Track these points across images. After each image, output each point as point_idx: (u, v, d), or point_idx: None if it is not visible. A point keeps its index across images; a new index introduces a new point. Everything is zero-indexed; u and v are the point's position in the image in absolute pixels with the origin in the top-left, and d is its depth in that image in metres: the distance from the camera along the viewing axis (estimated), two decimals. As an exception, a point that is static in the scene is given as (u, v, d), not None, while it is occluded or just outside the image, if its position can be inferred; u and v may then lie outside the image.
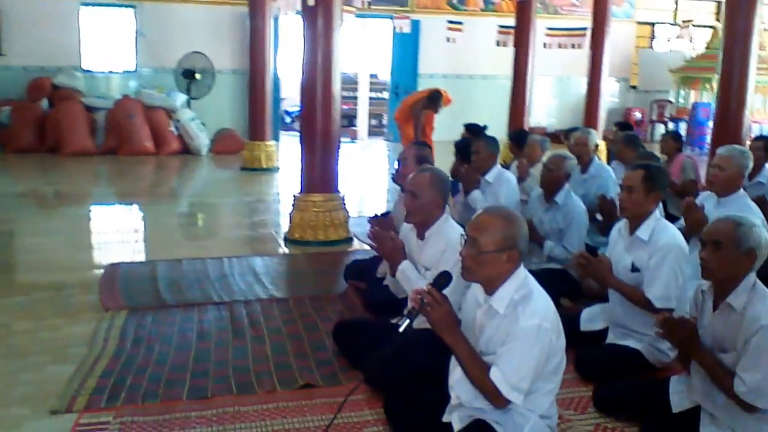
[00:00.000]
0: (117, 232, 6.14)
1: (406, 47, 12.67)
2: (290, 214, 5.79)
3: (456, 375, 2.56)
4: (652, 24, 14.86)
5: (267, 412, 2.97)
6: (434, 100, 8.09)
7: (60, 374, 3.25)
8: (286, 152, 10.05)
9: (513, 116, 10.24)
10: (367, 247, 5.67)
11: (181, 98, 10.72)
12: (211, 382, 3.22)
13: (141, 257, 5.34)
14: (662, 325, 2.68)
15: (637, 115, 14.09)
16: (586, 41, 10.43)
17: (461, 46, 11.70)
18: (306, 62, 5.50)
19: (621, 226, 3.59)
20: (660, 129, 13.95)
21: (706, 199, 4.28)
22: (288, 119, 14.22)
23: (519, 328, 2.33)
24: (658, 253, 3.30)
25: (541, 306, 2.40)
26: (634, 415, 2.93)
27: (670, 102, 14.17)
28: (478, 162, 5.08)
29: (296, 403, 3.05)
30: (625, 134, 6.28)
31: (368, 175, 9.78)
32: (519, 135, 6.66)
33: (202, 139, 10.79)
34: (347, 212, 5.85)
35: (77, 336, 3.73)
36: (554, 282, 4.06)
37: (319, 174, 5.63)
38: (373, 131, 14.27)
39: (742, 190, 4.17)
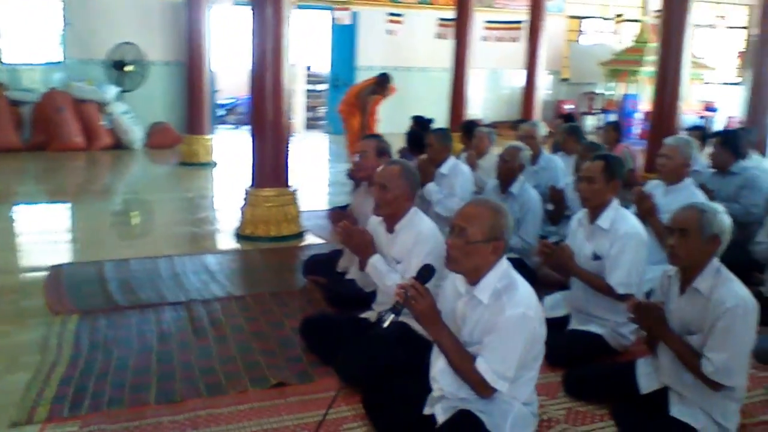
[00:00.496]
0: (53, 233, 5.88)
1: (345, 39, 12.61)
2: (241, 209, 5.69)
3: (438, 366, 2.58)
4: (582, 18, 15.27)
5: (242, 413, 2.92)
6: (383, 83, 8.06)
7: (15, 383, 3.10)
8: (223, 146, 9.84)
9: (453, 108, 10.36)
10: (320, 241, 5.66)
11: (112, 91, 10.35)
12: (179, 385, 3.14)
13: (82, 258, 5.11)
14: (633, 310, 2.78)
15: (569, 107, 14.46)
16: (523, 35, 10.63)
17: (398, 39, 11.73)
18: (255, 54, 5.39)
19: (581, 216, 3.68)
20: (590, 120, 14.39)
21: (654, 188, 4.45)
22: (221, 112, 13.96)
23: (504, 317, 2.37)
24: (619, 241, 3.41)
25: (525, 295, 2.45)
26: (603, 398, 3.03)
27: (600, 94, 14.62)
28: (432, 154, 5.12)
29: (270, 403, 3.01)
30: (569, 125, 6.45)
31: (310, 168, 9.70)
32: (468, 126, 6.74)
33: (136, 133, 10.46)
34: (299, 207, 5.78)
35: (28, 343, 3.57)
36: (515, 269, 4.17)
37: (271, 168, 5.54)
38: (310, 124, 14.17)
39: (688, 178, 4.35)
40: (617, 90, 13.94)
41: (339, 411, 2.94)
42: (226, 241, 5.66)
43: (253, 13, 5.37)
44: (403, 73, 13.32)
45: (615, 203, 3.54)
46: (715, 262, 2.70)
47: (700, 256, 2.68)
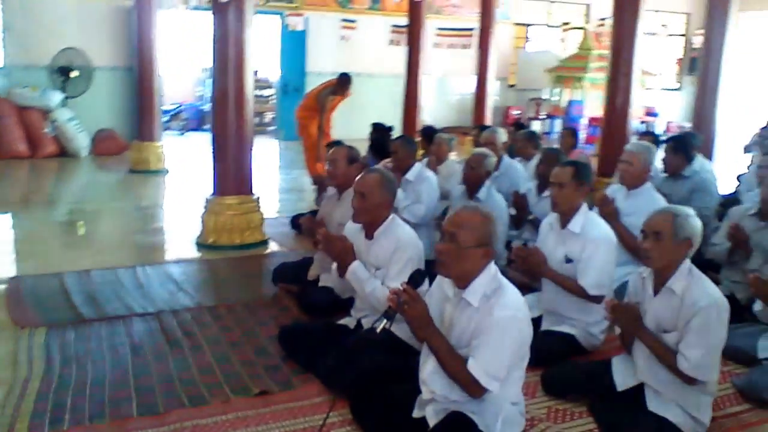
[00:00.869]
0: (3, 244, 5.72)
1: (295, 45, 12.60)
2: (202, 217, 5.64)
3: (428, 369, 2.64)
4: (528, 25, 15.65)
5: (227, 422, 2.93)
6: (344, 83, 8.10)
7: (-12, 400, 3.03)
8: (171, 152, 9.68)
9: (406, 114, 10.46)
10: (284, 249, 5.66)
11: (56, 97, 10.08)
12: (160, 397, 3.12)
13: (39, 270, 4.93)
14: (610, 310, 2.91)
15: (516, 112, 14.78)
16: (474, 42, 10.83)
17: (351, 45, 11.81)
18: (217, 60, 5.37)
19: (551, 220, 3.81)
20: (536, 126, 14.74)
21: (615, 192, 4.62)
22: (165, 118, 13.76)
23: (494, 320, 2.45)
24: (591, 245, 3.54)
25: (513, 298, 2.54)
26: (581, 396, 3.15)
27: (546, 100, 14.99)
28: (397, 161, 5.19)
29: (255, 411, 3.02)
30: (526, 131, 6.64)
31: (263, 175, 9.65)
32: (428, 132, 6.84)
33: (81, 141, 10.21)
34: (262, 214, 5.77)
35: (-4, 358, 3.48)
36: None
37: (233, 175, 5.52)
38: (257, 130, 14.08)
39: (648, 183, 4.54)
40: (562, 96, 14.33)
41: (322, 418, 2.96)
42: (188, 250, 5.60)
43: (215, 19, 5.35)
44: (355, 79, 13.43)
45: (584, 208, 3.68)
46: (688, 263, 2.85)
47: (674, 257, 2.82)
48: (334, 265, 3.54)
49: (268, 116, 14.74)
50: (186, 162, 10.05)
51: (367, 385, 3.00)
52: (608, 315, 2.92)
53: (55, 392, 3.11)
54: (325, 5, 12.80)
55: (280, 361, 3.52)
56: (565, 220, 3.67)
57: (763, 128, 8.50)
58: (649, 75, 14.24)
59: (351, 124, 13.36)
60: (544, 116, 14.32)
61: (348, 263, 3.38)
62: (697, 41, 13.89)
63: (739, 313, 3.74)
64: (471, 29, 10.94)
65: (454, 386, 2.56)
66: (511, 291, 2.57)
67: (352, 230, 3.54)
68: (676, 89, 17.21)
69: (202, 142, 12.58)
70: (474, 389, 2.50)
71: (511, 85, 15.32)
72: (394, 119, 10.24)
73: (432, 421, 2.63)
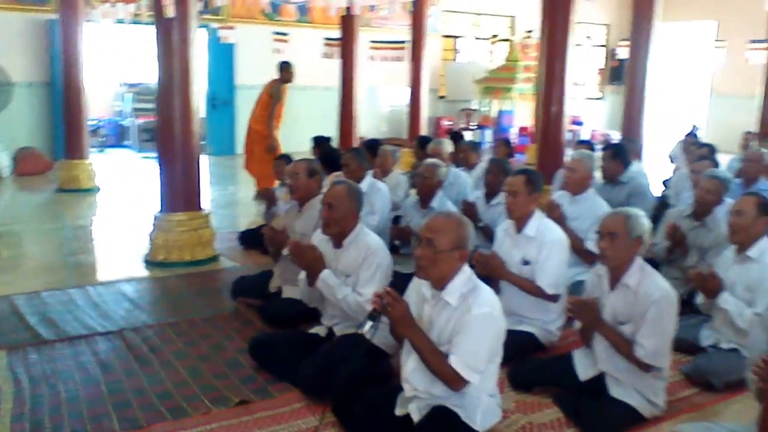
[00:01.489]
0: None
1: (223, 58, 12.64)
2: (150, 235, 5.69)
3: (409, 368, 2.87)
4: (456, 38, 16.19)
5: (214, 431, 3.06)
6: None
7: (-40, 424, 3.06)
8: (96, 170, 9.51)
9: (343, 126, 10.69)
10: (235, 264, 5.78)
11: (-28, 115, 9.83)
12: (139, 412, 3.22)
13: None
14: (573, 306, 3.21)
15: (448, 123, 15.25)
16: (407, 54, 11.19)
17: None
18: (162, 75, 5.46)
19: (506, 226, 4.11)
20: (467, 136, 15.23)
21: (560, 198, 4.98)
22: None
23: (472, 317, 2.70)
24: (546, 247, 3.86)
25: (488, 296, 2.80)
26: (546, 388, 3.44)
27: (476, 110, 15.53)
28: (348, 173, 5.41)
29: (238, 420, 3.16)
30: (469, 141, 7.00)
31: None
32: (372, 144, 7.08)
33: (2, 160, 9.97)
34: (213, 229, 5.87)
35: (-42, 382, 3.49)
36: None
37: (182, 191, 5.60)
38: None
39: (591, 189, 4.92)
40: (492, 106, 14.90)
41: (307, 422, 3.16)
42: (136, 268, 5.63)
43: (159, 35, 5.44)
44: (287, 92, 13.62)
45: (538, 213, 4.00)
46: (639, 259, 3.19)
47: (628, 255, 3.15)
48: (303, 275, 3.72)
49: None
50: (114, 179, 9.95)
51: (345, 389, 3.19)
52: (571, 311, 3.22)
53: (31, 412, 3.18)
54: (253, 17, 12.94)
55: (253, 372, 3.66)
56: (520, 225, 3.97)
57: (687, 135, 9.15)
58: (574, 84, 14.96)
59: (283, 138, 13.54)
60: (475, 126, 14.83)
61: (318, 272, 3.57)
62: (621, 52, 14.67)
63: (680, 306, 4.13)
64: (403, 42, 11.27)
65: (436, 382, 2.79)
66: (486, 290, 2.83)
67: (320, 240, 3.74)
68: (599, 98, 18.14)
69: (124, 159, 12.46)
70: (456, 383, 2.73)
71: (441, 97, 15.79)
72: (327, 131, 10.44)
73: (416, 417, 2.85)
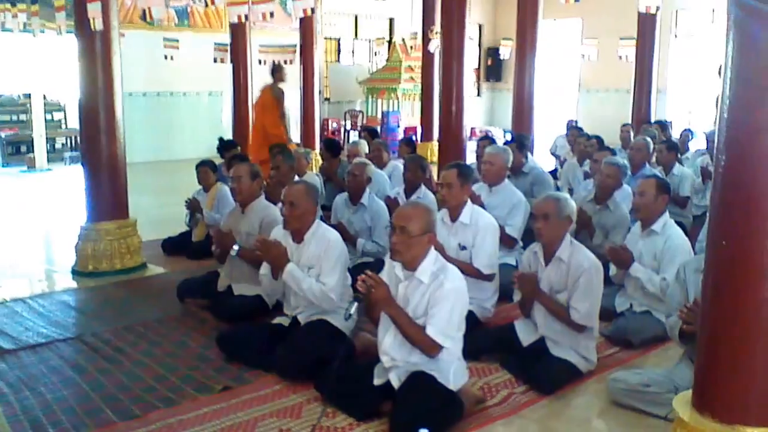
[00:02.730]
0: None
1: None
2: (76, 245, 5.84)
3: (387, 341, 3.38)
4: (338, 40, 16.78)
5: (207, 414, 3.42)
6: (275, 71, 9.00)
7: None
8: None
9: (237, 130, 10.95)
10: (163, 270, 6.03)
11: None
12: (130, 404, 3.52)
13: None
14: (517, 279, 3.84)
15: (334, 125, 15.81)
16: (297, 57, 11.62)
17: (167, 64, 12.07)
18: (85, 85, 5.65)
19: (442, 215, 4.69)
20: (354, 136, 15.85)
21: (479, 189, 5.63)
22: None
23: (446, 290, 3.25)
24: (481, 232, 4.48)
25: (456, 273, 3.36)
26: (492, 355, 4.05)
27: (361, 111, 16.19)
28: (278, 176, 5.82)
29: (227, 403, 3.54)
30: (380, 141, 7.57)
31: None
32: (282, 147, 7.47)
33: None
34: (140, 237, 6.08)
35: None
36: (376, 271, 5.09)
37: (109, 200, 5.80)
38: (50, 157, 13.55)
39: (506, 180, 5.60)
40: (377, 107, 15.60)
41: (291, 399, 3.60)
42: (65, 279, 5.77)
43: (80, 43, 5.63)
44: (166, 99, 13.71)
45: (469, 201, 4.62)
46: (569, 236, 3.87)
47: (559, 233, 3.82)
48: (265, 270, 4.13)
49: (60, 142, 14.32)
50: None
51: (319, 368, 3.66)
52: (515, 283, 3.86)
53: (24, 413, 3.42)
54: (131, 22, 12.88)
55: (224, 363, 4.03)
56: (454, 214, 4.57)
57: (569, 129, 10.13)
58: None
59: (170, 144, 13.61)
60: (361, 127, 15.46)
61: (283, 265, 4.00)
62: (504, 51, 15.77)
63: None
64: (294, 45, 11.70)
65: (413, 351, 3.32)
66: (452, 268, 3.39)
67: (279, 236, 4.17)
68: (476, 96, 19.30)
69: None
70: (432, 349, 3.27)
71: (327, 99, 16.32)
72: (215, 136, 10.57)
73: (396, 383, 3.36)
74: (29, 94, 13.29)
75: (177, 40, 10.55)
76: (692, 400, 2.50)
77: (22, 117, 13.78)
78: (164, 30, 12.84)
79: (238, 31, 10.81)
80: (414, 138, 11.51)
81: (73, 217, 8.04)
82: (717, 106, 2.34)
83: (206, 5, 9.42)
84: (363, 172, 5.58)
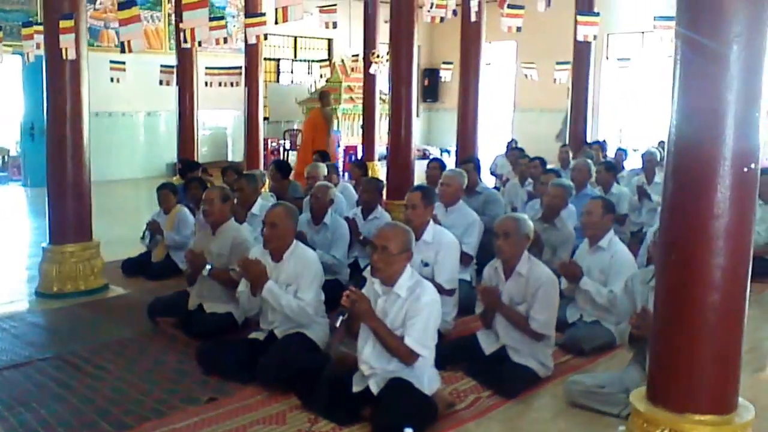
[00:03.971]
0: None
1: (39, 85, 12.44)
2: (40, 267, 5.97)
3: (367, 351, 3.72)
4: (277, 60, 17.08)
5: (198, 423, 3.67)
6: (324, 96, 10.60)
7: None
8: None
9: (181, 150, 11.15)
10: (127, 291, 6.20)
11: None
12: (123, 416, 3.75)
13: None
14: (481, 293, 4.25)
15: (273, 144, 16.04)
16: (242, 79, 11.87)
17: (102, 85, 12.15)
18: (52, 107, 5.85)
19: None
20: (293, 156, 16.11)
21: (437, 209, 6.01)
22: None
23: (422, 303, 3.61)
24: (444, 249, 4.88)
25: (431, 287, 3.73)
26: (457, 364, 4.42)
27: (299, 131, 16.47)
28: (243, 198, 6.09)
29: (215, 413, 3.80)
30: (330, 164, 7.95)
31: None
32: (237, 170, 7.73)
33: None
34: (103, 258, 6.24)
35: None
36: (331, 289, 5.25)
37: (74, 222, 5.95)
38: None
39: (461, 201, 6.02)
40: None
41: (275, 407, 3.88)
42: (28, 301, 5.89)
43: (49, 67, 5.81)
44: (104, 119, 13.74)
45: (432, 222, 5.01)
46: (526, 252, 4.30)
47: (519, 249, 4.25)
48: (243, 287, 4.42)
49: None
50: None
51: (299, 378, 3.96)
52: (479, 296, 4.26)
53: (22, 428, 3.60)
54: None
55: (204, 377, 4.27)
56: (418, 233, 4.93)
57: (509, 149, 10.69)
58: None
59: (109, 165, 13.58)
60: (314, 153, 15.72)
61: (263, 283, 4.29)
62: (445, 74, 16.29)
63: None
64: (239, 67, 11.96)
65: (391, 360, 3.66)
66: (427, 282, 3.76)
67: (257, 254, 4.46)
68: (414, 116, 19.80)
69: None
70: (409, 358, 3.62)
71: (266, 118, 16.52)
72: (157, 156, 10.72)
73: (375, 389, 3.69)
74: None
75: (123, 63, 10.64)
76: (646, 393, 2.93)
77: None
78: (109, 52, 12.91)
79: (185, 54, 11.03)
80: (362, 159, 11.85)
81: (22, 235, 8.13)
82: (667, 138, 2.78)
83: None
84: (326, 195, 5.91)
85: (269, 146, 15.78)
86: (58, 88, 5.81)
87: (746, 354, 4.86)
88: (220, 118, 15.66)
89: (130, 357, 4.63)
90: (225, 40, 9.37)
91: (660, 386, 2.86)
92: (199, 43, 8.99)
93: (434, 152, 18.35)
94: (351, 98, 15.43)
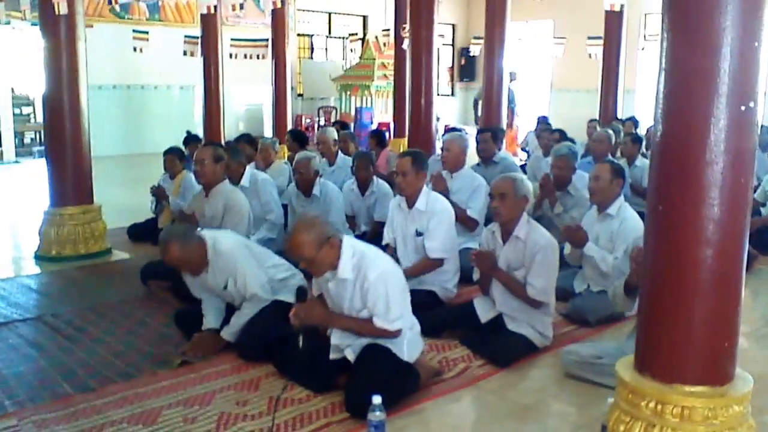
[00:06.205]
0: None
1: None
2: (40, 230, 5.82)
3: (336, 333, 3.44)
4: (310, 36, 16.82)
5: (164, 388, 3.44)
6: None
7: None
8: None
9: (208, 124, 10.92)
10: (130, 255, 6.02)
11: None
12: (86, 378, 3.54)
13: None
14: (475, 257, 3.91)
15: (307, 120, 15.83)
16: (269, 52, 11.63)
17: (138, 56, 12.05)
18: (50, 71, 5.67)
19: (398, 202, 4.74)
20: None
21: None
22: None
23: (371, 282, 3.24)
24: (436, 217, 4.53)
25: (375, 257, 3.33)
26: (452, 332, 4.11)
27: (334, 107, 16.24)
28: (229, 173, 5.77)
29: (185, 377, 3.56)
30: (349, 132, 7.65)
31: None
32: (249, 139, 7.49)
33: None
34: (105, 222, 6.07)
35: None
36: None
37: (73, 185, 5.79)
38: (18, 152, 13.44)
39: (467, 166, 5.66)
40: (350, 103, 15.64)
41: (250, 373, 3.64)
42: (28, 264, 5.75)
43: (45, 32, 5.63)
44: (137, 92, 13.64)
45: (425, 189, 4.66)
46: (525, 215, 3.95)
47: (516, 211, 3.90)
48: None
49: (29, 137, 14.18)
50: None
51: (276, 346, 3.70)
52: (474, 260, 3.93)
53: (-12, 385, 3.41)
54: (102, 16, 12.82)
55: (183, 341, 4.02)
56: (411, 201, 4.61)
57: (538, 125, 10.29)
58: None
59: (140, 138, 13.53)
60: (335, 123, 15.49)
61: None
62: (474, 50, 15.87)
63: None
64: (266, 40, 11.72)
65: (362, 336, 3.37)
66: (372, 254, 3.34)
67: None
68: (449, 95, 19.43)
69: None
70: (387, 335, 3.31)
71: (300, 94, 16.34)
72: (177, 130, 10.45)
73: (352, 357, 3.39)
74: (-4, 88, 13.15)
75: (147, 32, 10.49)
76: (634, 362, 2.58)
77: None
78: (134, 23, 12.83)
79: (209, 25, 10.78)
80: (387, 132, 11.55)
81: (39, 206, 8.01)
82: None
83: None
84: (308, 169, 5.56)
85: (303, 122, 15.59)
86: (53, 47, 5.61)
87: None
88: (256, 93, 15.45)
89: (113, 319, 4.43)
90: (241, 6, 9.10)
91: (647, 354, 2.52)
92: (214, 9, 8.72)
93: (471, 131, 17.88)
94: (384, 75, 15.07)
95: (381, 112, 15.53)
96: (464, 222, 5.30)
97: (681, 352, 2.41)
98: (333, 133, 7.04)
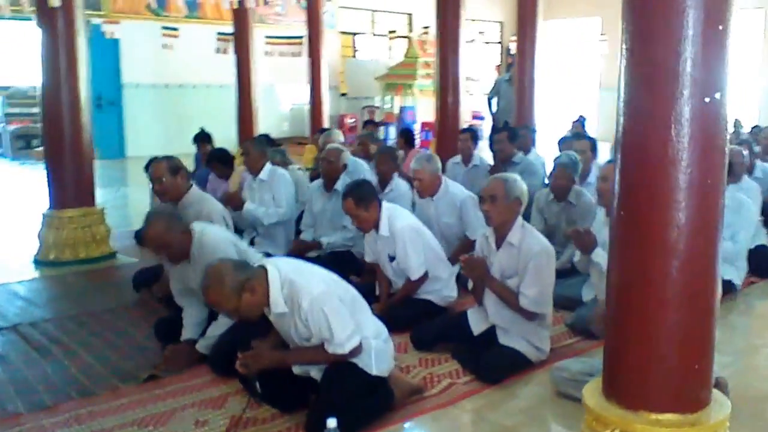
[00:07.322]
0: None
1: (107, 55, 12.54)
2: (39, 234, 5.78)
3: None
4: (354, 34, 16.68)
5: (122, 406, 3.29)
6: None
7: None
8: None
9: (242, 124, 10.84)
10: (135, 260, 5.92)
11: None
12: (45, 395, 3.42)
13: None
14: (464, 264, 3.64)
15: (350, 120, 15.67)
16: (305, 49, 11.50)
17: (172, 54, 12.07)
18: (47, 67, 5.60)
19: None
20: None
21: (426, 203, 5.27)
22: None
23: (305, 310, 2.99)
24: (398, 240, 4.24)
25: (305, 283, 3.04)
26: (445, 345, 3.85)
27: (378, 107, 16.03)
28: (249, 162, 5.64)
29: (149, 394, 3.42)
30: (368, 132, 7.44)
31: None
32: (271, 141, 7.36)
33: None
34: (108, 226, 6.00)
35: None
36: (344, 262, 4.91)
37: (73, 187, 5.72)
38: (21, 154, 13.15)
39: (443, 185, 5.20)
40: (394, 103, 15.42)
41: (219, 389, 3.47)
42: (26, 269, 5.69)
43: (42, 25, 5.57)
44: (176, 91, 13.70)
45: (383, 212, 4.29)
46: (520, 219, 3.66)
47: (508, 215, 3.61)
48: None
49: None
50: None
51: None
52: (463, 268, 3.65)
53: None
54: (138, 12, 12.92)
55: (162, 354, 3.87)
56: (372, 231, 4.34)
57: (574, 123, 9.88)
58: (470, 80, 15.69)
59: (179, 138, 13.56)
60: (378, 123, 15.31)
61: None
62: (513, 47, 15.49)
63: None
64: (300, 37, 11.59)
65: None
66: (303, 279, 3.05)
67: None
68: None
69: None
70: (345, 357, 3.06)
71: (343, 94, 16.21)
72: (223, 130, 10.45)
73: (317, 375, 3.17)
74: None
75: (176, 29, 10.44)
76: (601, 386, 2.29)
77: (33, 110, 12.89)
78: (172, 21, 12.84)
79: (241, 21, 10.69)
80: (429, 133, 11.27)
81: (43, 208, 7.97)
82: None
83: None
84: (338, 159, 5.39)
85: (346, 122, 15.43)
86: (50, 43, 5.55)
87: None
88: (300, 93, 15.37)
89: (93, 330, 4.31)
90: (266, 2, 8.94)
91: (612, 376, 2.23)
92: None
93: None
94: (428, 74, 14.78)
95: (425, 111, 15.25)
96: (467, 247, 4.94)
97: (646, 375, 2.13)
98: (339, 134, 6.92)
